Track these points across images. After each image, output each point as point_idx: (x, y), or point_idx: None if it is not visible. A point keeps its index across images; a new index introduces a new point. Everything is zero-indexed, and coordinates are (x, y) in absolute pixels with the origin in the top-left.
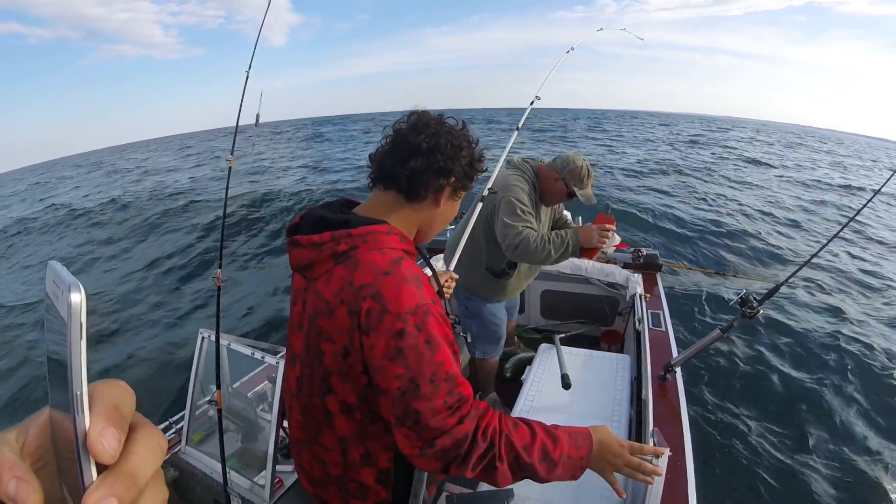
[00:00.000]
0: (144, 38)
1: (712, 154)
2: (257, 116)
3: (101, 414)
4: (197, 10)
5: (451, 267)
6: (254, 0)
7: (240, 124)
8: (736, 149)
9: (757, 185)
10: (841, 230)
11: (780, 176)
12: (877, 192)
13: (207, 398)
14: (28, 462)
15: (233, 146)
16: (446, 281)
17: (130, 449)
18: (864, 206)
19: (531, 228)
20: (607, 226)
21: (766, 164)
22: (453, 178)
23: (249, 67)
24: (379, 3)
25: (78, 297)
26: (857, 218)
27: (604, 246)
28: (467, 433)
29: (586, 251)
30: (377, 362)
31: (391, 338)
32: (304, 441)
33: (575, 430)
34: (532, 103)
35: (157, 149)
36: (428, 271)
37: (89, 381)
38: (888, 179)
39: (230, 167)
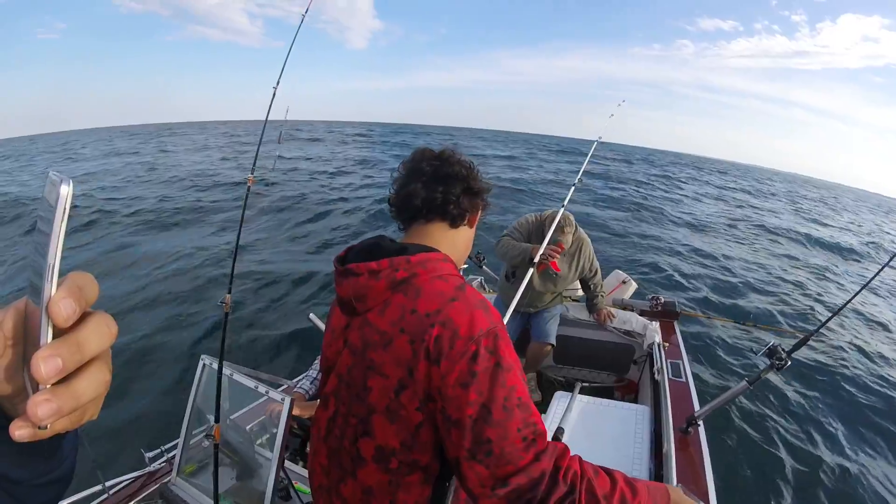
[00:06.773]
0: (231, 24)
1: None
2: (280, 134)
3: (65, 287)
4: (283, 4)
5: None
6: (338, 1)
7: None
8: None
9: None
10: (873, 277)
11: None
12: None
13: (203, 429)
14: None
15: (253, 165)
16: None
17: (82, 324)
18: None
19: (511, 238)
20: (555, 248)
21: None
22: (481, 198)
23: (277, 84)
24: (460, 19)
25: (66, 189)
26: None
27: (552, 261)
28: (544, 472)
29: (540, 265)
30: (449, 392)
31: (465, 362)
32: (325, 489)
33: (652, 484)
34: (594, 144)
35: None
36: None
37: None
38: None
39: (249, 187)
